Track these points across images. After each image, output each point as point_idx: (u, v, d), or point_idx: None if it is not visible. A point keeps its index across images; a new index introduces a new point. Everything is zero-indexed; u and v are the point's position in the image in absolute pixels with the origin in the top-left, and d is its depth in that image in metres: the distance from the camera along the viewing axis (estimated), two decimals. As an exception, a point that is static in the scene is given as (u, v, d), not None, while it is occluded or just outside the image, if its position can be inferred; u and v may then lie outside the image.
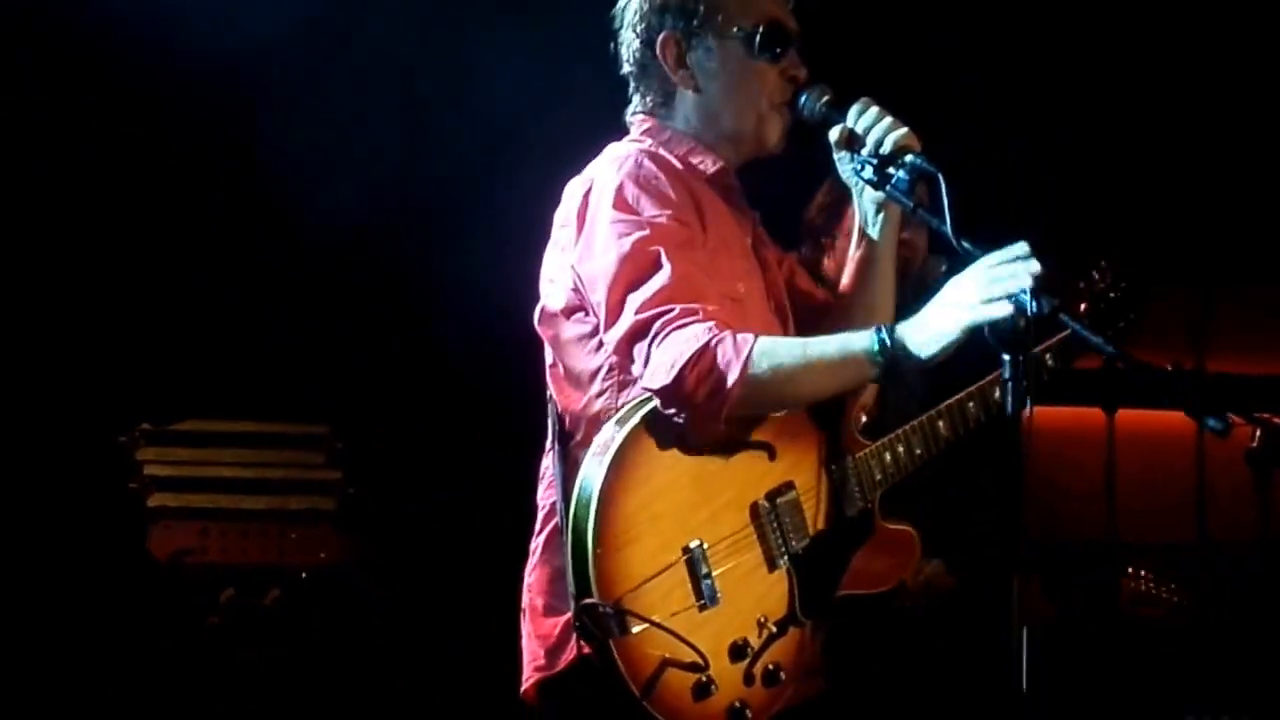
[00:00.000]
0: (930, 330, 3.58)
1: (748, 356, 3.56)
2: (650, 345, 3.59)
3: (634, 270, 3.65)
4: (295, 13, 6.58)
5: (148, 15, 6.43)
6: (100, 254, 6.84)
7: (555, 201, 3.93)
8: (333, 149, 6.68)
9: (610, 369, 3.77)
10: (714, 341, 3.56)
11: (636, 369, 3.63)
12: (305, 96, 6.80)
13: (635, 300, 3.63)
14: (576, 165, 3.95)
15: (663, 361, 3.56)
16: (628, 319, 3.63)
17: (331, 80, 6.86)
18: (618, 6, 4.04)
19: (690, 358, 3.54)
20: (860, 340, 3.63)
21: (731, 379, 3.54)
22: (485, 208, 6.67)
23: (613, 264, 3.67)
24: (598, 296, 3.70)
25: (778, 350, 3.63)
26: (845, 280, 4.10)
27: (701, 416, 3.58)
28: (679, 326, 3.58)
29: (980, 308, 3.48)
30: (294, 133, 6.66)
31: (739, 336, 3.58)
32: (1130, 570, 6.11)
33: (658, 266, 3.64)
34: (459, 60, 6.71)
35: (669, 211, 3.73)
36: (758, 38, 3.90)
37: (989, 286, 3.48)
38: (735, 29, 3.91)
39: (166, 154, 6.81)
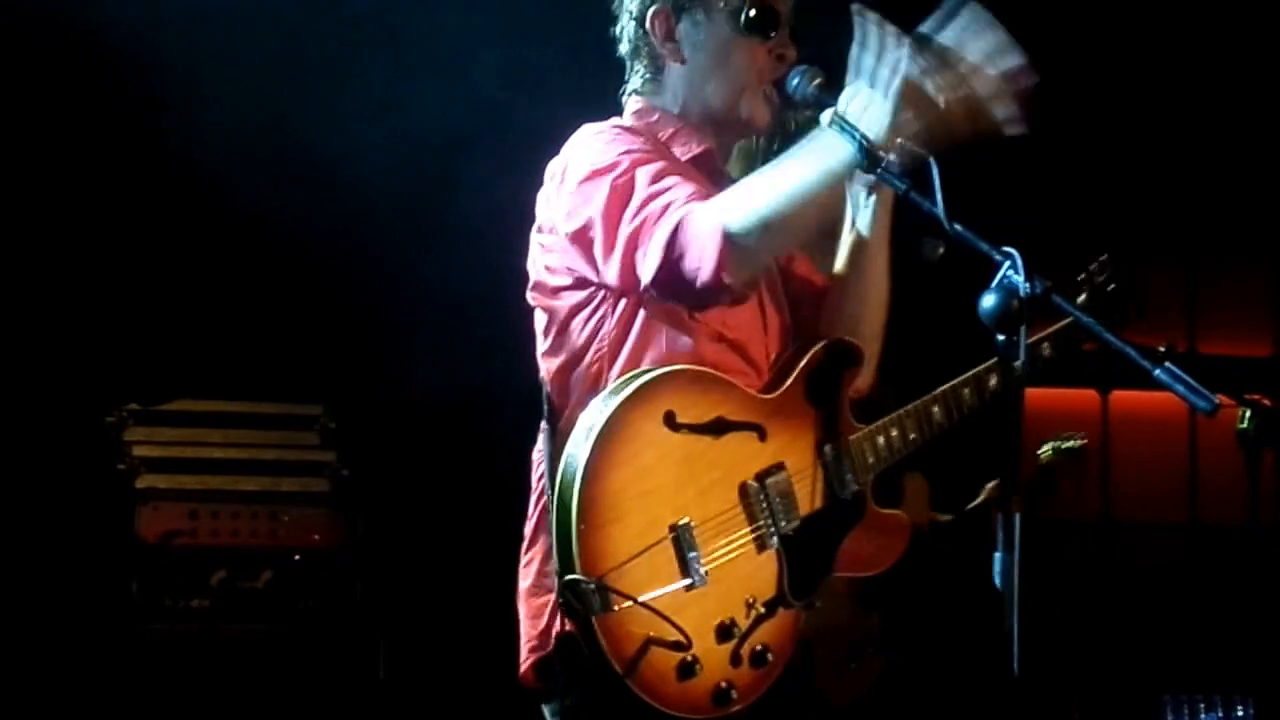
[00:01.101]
0: (884, 113, 3.54)
1: (724, 204, 3.56)
2: (646, 242, 3.59)
3: (619, 203, 3.64)
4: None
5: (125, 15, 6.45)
6: (88, 233, 6.83)
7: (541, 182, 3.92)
8: (319, 130, 6.68)
9: (599, 349, 3.75)
10: (690, 212, 3.56)
11: (644, 277, 3.61)
12: (298, 77, 6.79)
13: (627, 220, 3.63)
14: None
15: (651, 250, 3.57)
16: (621, 240, 3.63)
17: (329, 60, 6.86)
18: None
19: (671, 232, 3.55)
20: (825, 137, 3.57)
21: (717, 233, 3.52)
22: (480, 187, 6.65)
23: (600, 207, 3.66)
24: (596, 241, 3.68)
25: (750, 185, 3.62)
26: (839, 264, 4.07)
27: (705, 288, 3.57)
28: (659, 219, 3.59)
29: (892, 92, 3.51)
30: (279, 116, 6.66)
31: (712, 200, 3.60)
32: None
33: (642, 182, 3.65)
34: (460, 46, 6.71)
35: (636, 145, 3.75)
36: (749, 12, 3.88)
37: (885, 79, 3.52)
38: (723, 3, 3.90)
39: (153, 136, 6.80)
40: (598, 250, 3.70)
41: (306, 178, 6.70)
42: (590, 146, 3.79)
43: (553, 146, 3.92)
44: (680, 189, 3.65)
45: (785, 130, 3.99)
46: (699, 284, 3.56)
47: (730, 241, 3.54)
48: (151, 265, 6.88)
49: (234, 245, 6.91)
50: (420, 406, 7.10)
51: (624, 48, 4.03)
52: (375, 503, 6.75)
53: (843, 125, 3.54)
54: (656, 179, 3.67)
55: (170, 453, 6.56)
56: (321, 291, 7.03)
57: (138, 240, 6.87)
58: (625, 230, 3.63)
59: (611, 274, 3.69)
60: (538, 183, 3.90)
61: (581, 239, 3.73)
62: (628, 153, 3.73)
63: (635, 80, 4.02)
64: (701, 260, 3.54)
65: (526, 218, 3.93)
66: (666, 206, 3.61)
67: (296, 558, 6.56)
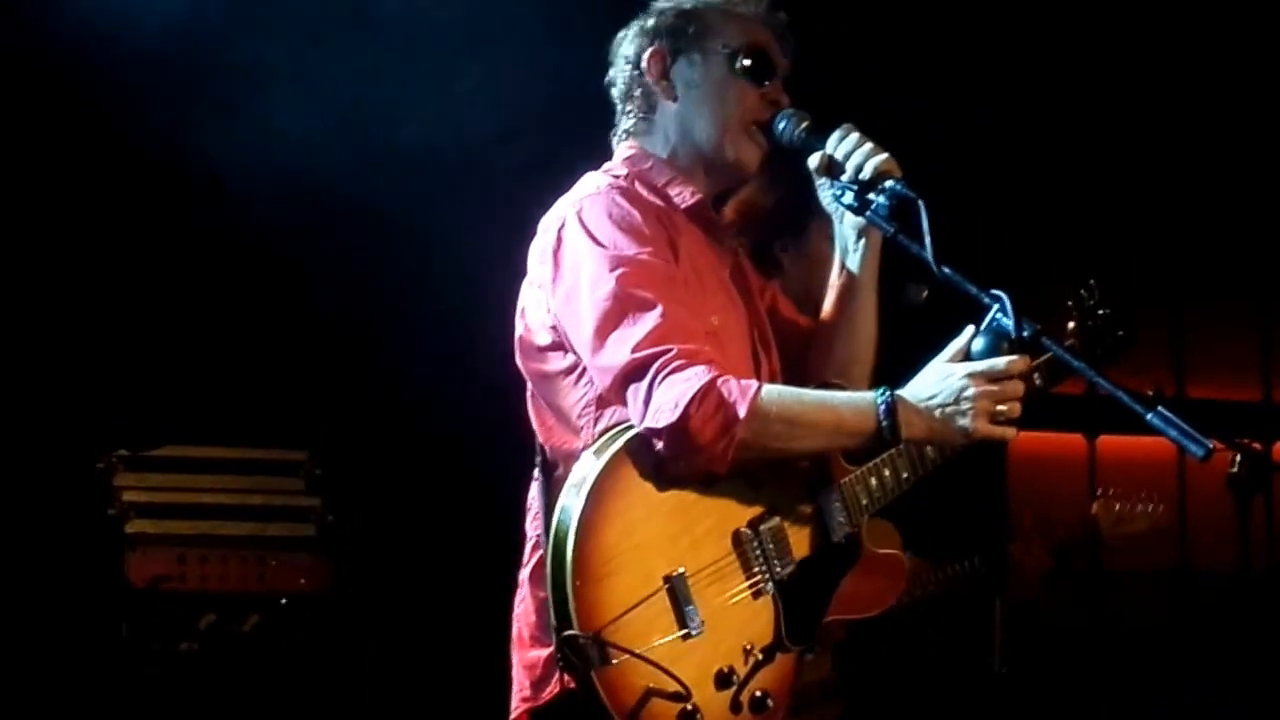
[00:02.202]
0: (926, 429, 3.71)
1: (754, 398, 3.57)
2: (650, 385, 3.57)
3: (622, 309, 3.63)
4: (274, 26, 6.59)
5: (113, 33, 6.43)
6: (79, 280, 6.81)
7: (531, 227, 3.91)
8: (309, 174, 6.66)
9: (588, 404, 3.75)
10: (719, 380, 3.56)
11: (633, 409, 3.60)
12: (284, 123, 6.78)
13: (628, 339, 3.60)
14: (553, 190, 3.94)
15: (666, 401, 3.54)
16: (621, 358, 3.61)
17: (308, 103, 6.84)
18: (615, 39, 4.06)
19: (695, 395, 3.53)
20: (866, 412, 3.68)
21: (739, 419, 3.55)
22: (465, 234, 6.64)
23: (599, 303, 3.65)
24: (583, 336, 3.68)
25: (784, 397, 3.65)
26: (827, 307, 4.09)
27: (706, 459, 3.58)
28: (680, 367, 3.56)
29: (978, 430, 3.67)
30: (270, 158, 6.65)
31: (743, 380, 3.60)
32: (1100, 493, 6.13)
33: (647, 305, 3.63)
34: (437, 88, 6.70)
35: (648, 249, 3.72)
36: (743, 60, 3.92)
37: (987, 406, 3.66)
38: (722, 45, 3.94)
39: (143, 179, 6.78)
40: (586, 349, 3.68)
41: (293, 227, 6.69)
42: (593, 221, 3.75)
43: (541, 190, 3.93)
44: (697, 337, 3.66)
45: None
46: (705, 450, 3.56)
47: (753, 425, 3.56)
48: (141, 312, 6.86)
49: (222, 293, 6.90)
50: (406, 452, 7.09)
51: (616, 91, 4.06)
52: (361, 548, 6.74)
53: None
54: (670, 307, 3.64)
55: (159, 498, 6.56)
56: (307, 337, 7.01)
57: (128, 288, 6.85)
58: (631, 350, 3.60)
59: (600, 379, 3.68)
60: (525, 224, 3.91)
61: (573, 323, 3.72)
62: (638, 254, 3.70)
63: (627, 121, 4.04)
64: (720, 429, 3.54)
65: (514, 262, 3.92)
66: (690, 356, 3.59)
67: (283, 602, 6.54)
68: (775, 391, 3.65)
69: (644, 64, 3.97)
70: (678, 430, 3.53)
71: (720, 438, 3.55)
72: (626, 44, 4.03)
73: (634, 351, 3.59)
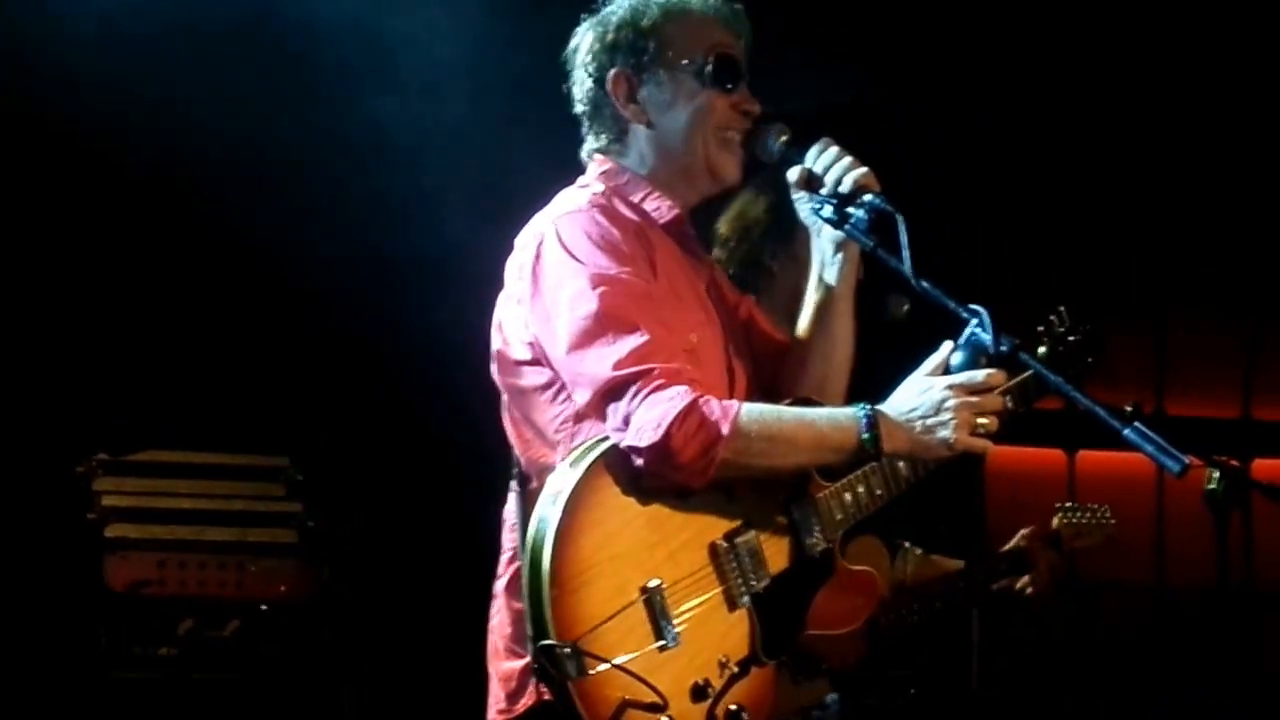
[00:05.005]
0: (908, 441, 3.74)
1: (735, 417, 3.60)
2: (631, 403, 3.58)
3: (602, 327, 3.64)
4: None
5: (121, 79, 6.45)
6: (59, 283, 6.81)
7: (508, 238, 3.92)
8: (292, 190, 6.68)
9: (565, 419, 3.76)
10: (700, 400, 3.58)
11: (611, 426, 3.62)
12: (275, 138, 6.79)
13: (609, 358, 3.61)
14: (528, 201, 3.95)
15: (649, 420, 3.56)
16: (601, 376, 3.62)
17: (298, 123, 6.85)
18: (569, 48, 4.04)
19: (677, 415, 3.55)
20: (847, 428, 3.71)
21: (720, 438, 3.57)
22: (449, 242, 6.65)
23: (580, 321, 3.66)
24: (562, 354, 3.69)
25: (765, 415, 3.67)
26: (804, 322, 4.09)
27: (686, 476, 3.61)
28: (661, 386, 3.58)
29: (958, 442, 3.71)
30: (255, 174, 6.65)
31: (725, 401, 3.62)
32: (1059, 507, 6.15)
33: (628, 324, 3.64)
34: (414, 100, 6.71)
35: (628, 268, 3.73)
36: (708, 68, 3.91)
37: (968, 418, 3.70)
38: (685, 61, 3.92)
39: (123, 184, 6.78)
40: (565, 366, 3.70)
41: (273, 232, 6.69)
42: (571, 239, 3.75)
43: (527, 199, 3.93)
44: (678, 355, 3.67)
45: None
46: (686, 468, 3.59)
47: (735, 444, 3.59)
48: (121, 316, 6.86)
49: (204, 298, 6.90)
50: (388, 458, 7.09)
51: (581, 106, 4.03)
52: (342, 554, 6.73)
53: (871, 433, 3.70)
54: (651, 325, 3.66)
55: (139, 503, 6.53)
56: (290, 343, 7.01)
57: (108, 292, 6.85)
58: (612, 368, 3.61)
59: (579, 397, 3.69)
60: (509, 233, 3.91)
61: (551, 340, 3.72)
62: (618, 272, 3.70)
63: (599, 140, 4.02)
64: (702, 448, 3.57)
65: (497, 271, 3.93)
66: (672, 375, 3.61)
67: (263, 608, 6.53)
68: (756, 410, 3.67)
69: (609, 86, 3.95)
70: (659, 450, 3.55)
71: (701, 457, 3.57)
72: (585, 56, 3.99)
73: (615, 370, 3.61)
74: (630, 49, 3.93)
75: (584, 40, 4.01)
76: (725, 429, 3.58)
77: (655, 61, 3.93)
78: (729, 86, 3.94)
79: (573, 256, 3.72)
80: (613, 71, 3.95)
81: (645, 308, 3.68)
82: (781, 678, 5.08)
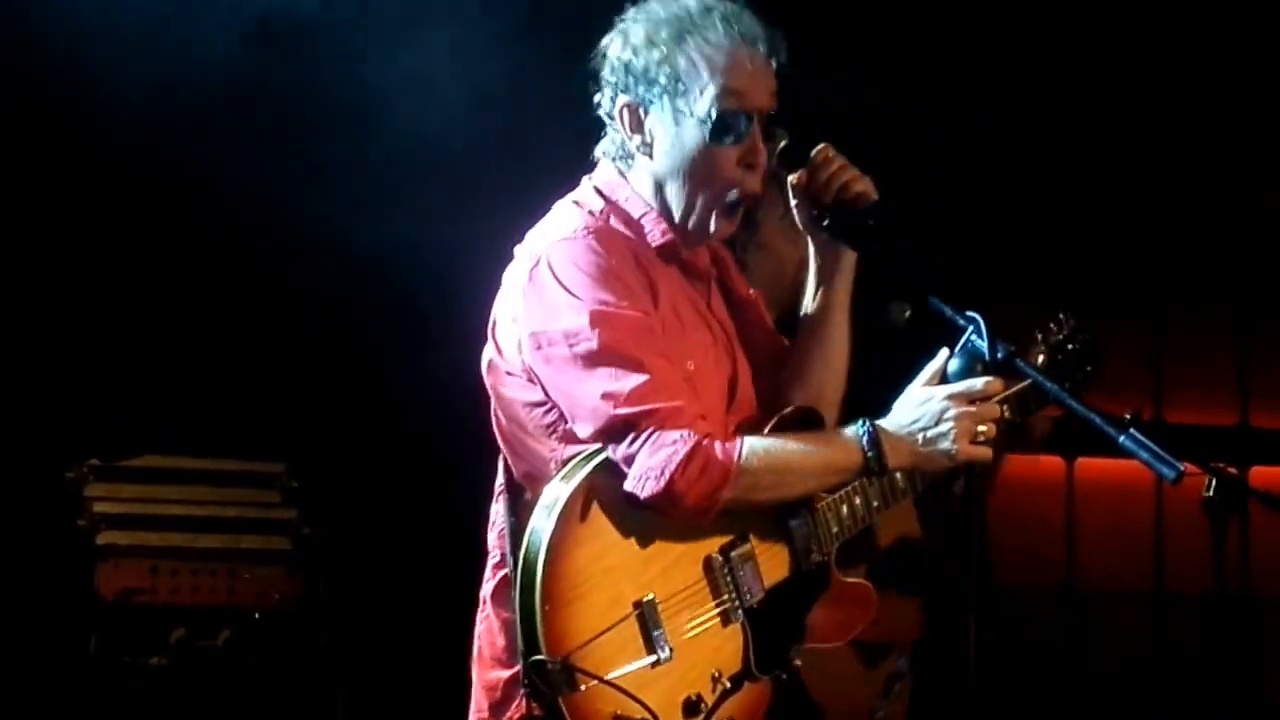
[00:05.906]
0: (911, 454, 3.76)
1: (739, 456, 3.59)
2: (633, 446, 3.55)
3: (602, 364, 3.59)
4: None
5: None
6: (52, 287, 6.79)
7: (508, 245, 3.87)
8: (284, 190, 6.65)
9: (558, 432, 3.70)
10: (704, 444, 3.56)
11: (629, 483, 3.59)
12: (267, 136, 6.77)
13: (609, 397, 3.57)
14: (530, 208, 3.91)
15: (651, 467, 3.54)
16: (603, 414, 3.58)
17: (298, 125, 6.83)
18: (603, 41, 3.86)
19: (680, 462, 3.53)
20: (851, 448, 3.73)
21: (725, 482, 3.57)
22: (444, 247, 6.62)
23: (578, 359, 3.60)
24: (560, 389, 3.64)
25: (770, 449, 3.67)
26: (801, 329, 4.06)
27: (691, 516, 3.61)
28: (663, 429, 3.56)
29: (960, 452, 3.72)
30: (253, 177, 6.63)
31: (727, 443, 3.61)
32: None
33: (629, 361, 3.59)
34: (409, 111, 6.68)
35: (625, 301, 3.65)
36: (714, 121, 3.74)
37: (969, 427, 3.72)
38: (694, 100, 3.74)
39: (120, 186, 6.76)
40: (565, 400, 3.65)
41: (271, 239, 6.67)
42: (569, 269, 3.66)
43: (529, 206, 3.90)
44: (681, 394, 3.64)
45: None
46: (689, 511, 3.58)
47: (737, 486, 3.59)
48: (114, 320, 6.84)
49: (197, 303, 6.88)
50: (383, 466, 7.07)
51: (603, 108, 3.89)
52: (336, 562, 6.71)
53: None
54: (654, 362, 3.62)
55: (131, 509, 6.52)
56: (285, 349, 6.99)
57: (101, 296, 6.83)
58: (614, 407, 3.56)
59: (580, 433, 3.65)
60: (505, 240, 3.87)
61: (550, 371, 3.66)
62: (619, 307, 3.63)
63: (611, 146, 3.91)
64: (705, 493, 3.56)
65: (492, 277, 3.89)
66: (675, 416, 3.58)
67: (256, 616, 6.51)
68: (761, 446, 3.66)
69: (617, 113, 3.82)
70: (663, 497, 3.54)
71: (706, 499, 3.57)
72: (604, 68, 3.84)
73: (616, 409, 3.57)
74: (643, 76, 3.77)
75: (609, 48, 3.84)
76: (730, 470, 3.58)
77: (664, 97, 3.76)
78: (727, 139, 3.77)
79: (568, 291, 3.64)
80: (622, 100, 3.81)
81: (645, 342, 3.63)
82: (856, 666, 5.13)
